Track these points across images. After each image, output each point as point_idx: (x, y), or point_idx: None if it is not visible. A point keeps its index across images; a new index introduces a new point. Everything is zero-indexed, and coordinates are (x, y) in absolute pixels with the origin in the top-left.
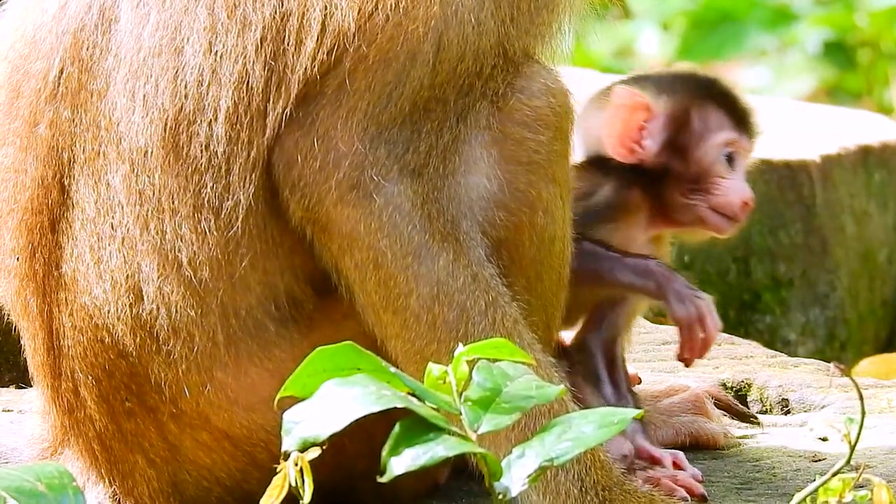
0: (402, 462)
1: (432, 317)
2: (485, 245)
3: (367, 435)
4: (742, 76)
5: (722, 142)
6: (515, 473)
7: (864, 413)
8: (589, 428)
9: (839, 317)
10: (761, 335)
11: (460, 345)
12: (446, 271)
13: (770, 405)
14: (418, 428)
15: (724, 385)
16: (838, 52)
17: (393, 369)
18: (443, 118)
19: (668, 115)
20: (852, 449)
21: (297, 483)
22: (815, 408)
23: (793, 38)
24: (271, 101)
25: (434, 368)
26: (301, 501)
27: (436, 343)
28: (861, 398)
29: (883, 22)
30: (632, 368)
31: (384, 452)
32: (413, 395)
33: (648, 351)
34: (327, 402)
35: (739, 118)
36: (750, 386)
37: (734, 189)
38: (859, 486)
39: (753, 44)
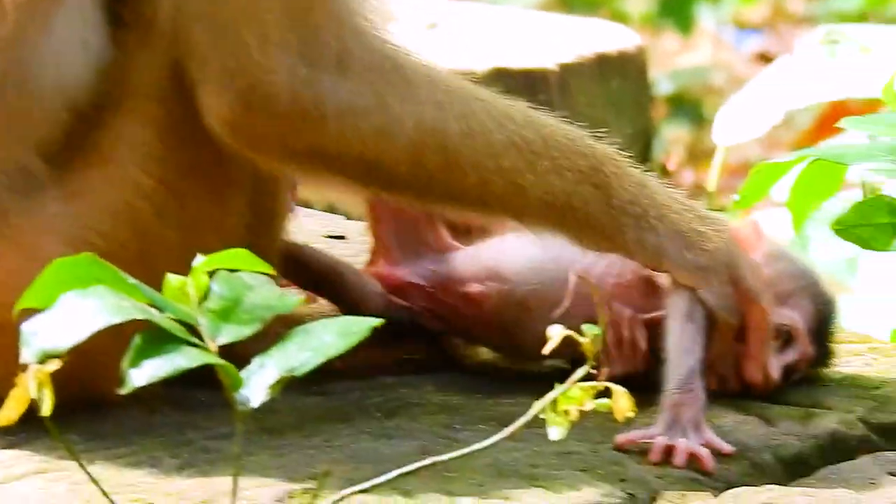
0: (142, 373)
1: None
2: None
3: (118, 345)
4: None
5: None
6: (256, 384)
7: (604, 321)
8: (329, 337)
9: None
10: None
11: (199, 256)
12: None
13: None
14: (158, 339)
15: None
16: None
17: (133, 280)
18: None
19: (772, 276)
20: (592, 356)
21: (36, 395)
22: None
23: None
24: None
25: (173, 279)
26: (40, 414)
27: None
28: (600, 306)
29: None
30: None
31: (124, 364)
32: (153, 306)
33: None
34: (66, 313)
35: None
36: None
37: (774, 367)
38: (600, 395)
39: None
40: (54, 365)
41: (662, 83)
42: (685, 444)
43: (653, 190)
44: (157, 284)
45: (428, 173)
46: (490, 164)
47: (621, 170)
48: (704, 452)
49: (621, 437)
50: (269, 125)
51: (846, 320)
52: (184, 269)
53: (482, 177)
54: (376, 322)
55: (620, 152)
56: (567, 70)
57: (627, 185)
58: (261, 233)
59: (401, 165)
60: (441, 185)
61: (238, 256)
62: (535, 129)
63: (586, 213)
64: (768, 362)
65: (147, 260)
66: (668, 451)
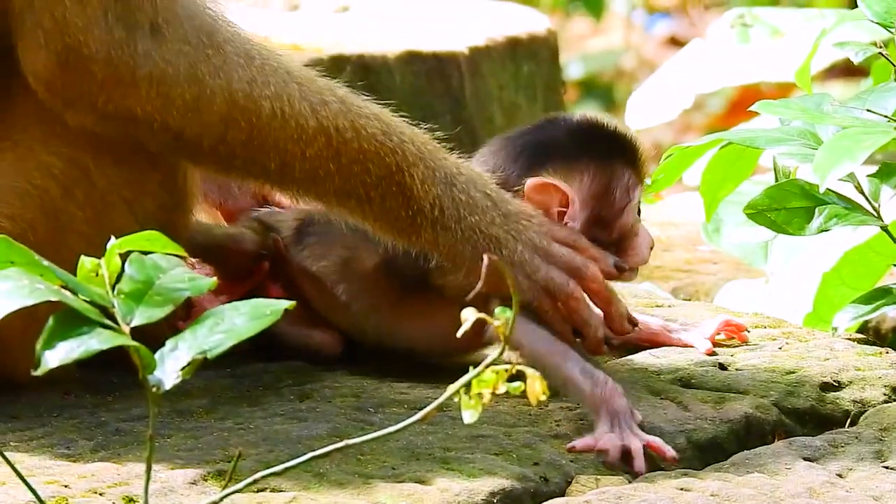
0: (55, 355)
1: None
2: None
3: (32, 328)
4: None
5: (637, 202)
6: (169, 366)
7: (516, 304)
8: (241, 320)
9: None
10: None
11: (112, 238)
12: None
13: None
14: (72, 321)
15: None
16: None
17: (46, 262)
18: None
19: (586, 197)
20: (506, 340)
21: None
22: None
23: None
24: None
25: (86, 261)
26: None
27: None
28: (514, 287)
29: None
30: None
31: (38, 346)
32: (67, 288)
33: None
34: None
35: (641, 168)
36: None
37: (645, 242)
38: (513, 378)
39: None
40: None
41: (573, 66)
42: (637, 444)
43: (460, 189)
44: (69, 264)
45: (231, 150)
46: (294, 149)
47: (430, 169)
48: (659, 442)
49: (576, 444)
50: (82, 85)
51: (760, 304)
52: (96, 248)
53: (284, 160)
54: (288, 304)
55: (437, 146)
56: (478, 53)
57: (432, 185)
58: (174, 212)
59: (205, 138)
60: (243, 161)
61: (150, 238)
62: (350, 118)
63: (384, 209)
64: (622, 312)
65: (57, 240)
66: (626, 453)
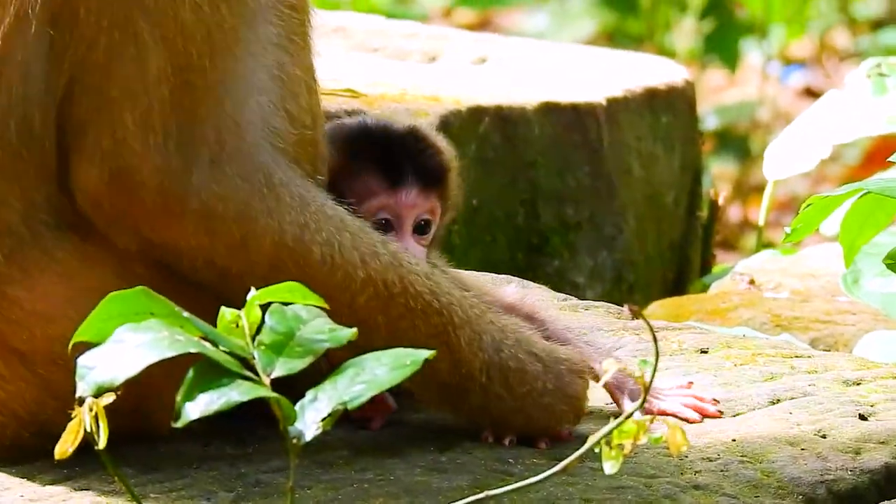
0: (196, 407)
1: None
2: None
3: (172, 379)
4: (523, 23)
5: (371, 209)
6: (309, 417)
7: (657, 354)
8: (382, 370)
9: (626, 259)
10: (550, 279)
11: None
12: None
13: None
14: (212, 373)
15: None
16: None
17: (186, 314)
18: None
19: (328, 180)
20: (646, 391)
21: (91, 429)
22: None
23: None
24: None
25: (226, 312)
26: (96, 447)
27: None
28: (654, 339)
29: None
30: None
31: (178, 397)
32: (207, 339)
33: None
34: (121, 347)
35: (397, 177)
36: None
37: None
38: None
39: None
40: (109, 398)
41: (709, 118)
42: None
43: (507, 355)
44: (203, 307)
45: None
46: (343, 298)
47: (477, 334)
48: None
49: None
50: (128, 210)
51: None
52: None
53: (332, 308)
54: (429, 354)
55: (484, 309)
56: (615, 104)
57: (479, 349)
58: None
59: (249, 278)
60: None
61: (291, 289)
62: (400, 273)
63: (432, 370)
64: None
65: (195, 285)
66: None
